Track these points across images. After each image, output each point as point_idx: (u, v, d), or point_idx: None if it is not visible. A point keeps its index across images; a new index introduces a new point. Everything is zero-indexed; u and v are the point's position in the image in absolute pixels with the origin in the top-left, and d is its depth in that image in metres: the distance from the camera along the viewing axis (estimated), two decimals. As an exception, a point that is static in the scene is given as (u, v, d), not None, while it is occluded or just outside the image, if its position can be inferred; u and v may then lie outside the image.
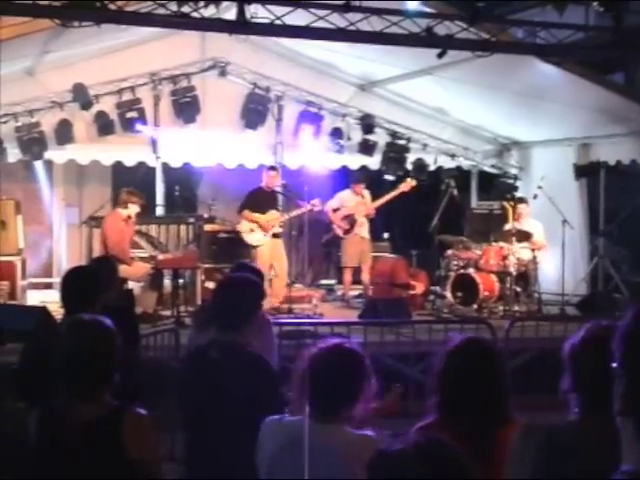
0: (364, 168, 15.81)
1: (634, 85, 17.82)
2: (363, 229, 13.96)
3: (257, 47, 14.36)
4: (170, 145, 14.51)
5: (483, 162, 16.78)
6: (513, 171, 16.48)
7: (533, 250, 13.37)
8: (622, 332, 2.36)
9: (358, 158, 15.78)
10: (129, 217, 12.29)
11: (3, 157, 13.46)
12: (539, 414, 3.68)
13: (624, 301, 13.31)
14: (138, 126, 14.04)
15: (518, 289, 13.31)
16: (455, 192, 14.13)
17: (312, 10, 9.52)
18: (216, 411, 4.37)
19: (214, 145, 14.72)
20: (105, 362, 3.81)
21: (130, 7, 9.26)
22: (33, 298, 13.24)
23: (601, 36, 11.36)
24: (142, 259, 12.69)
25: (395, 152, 15.73)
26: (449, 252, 13.80)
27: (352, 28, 9.62)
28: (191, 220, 14.03)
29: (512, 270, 13.08)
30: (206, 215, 14.23)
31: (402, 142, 15.79)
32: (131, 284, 12.08)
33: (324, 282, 16.15)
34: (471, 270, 13.21)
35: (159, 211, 14.84)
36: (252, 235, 13.12)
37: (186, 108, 14.43)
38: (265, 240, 13.09)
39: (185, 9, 9.17)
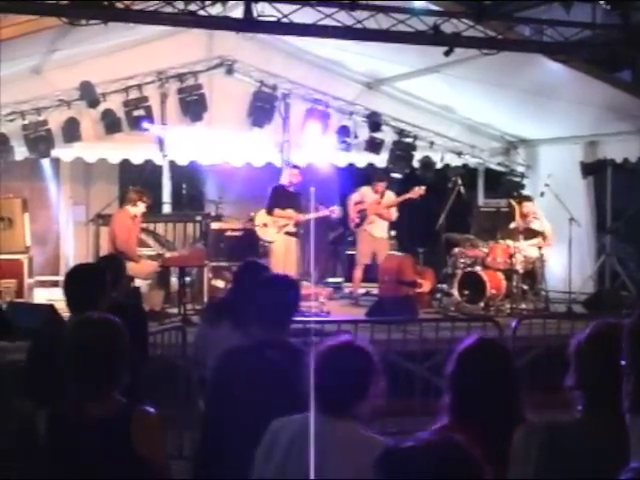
0: (371, 166, 15.81)
1: (641, 83, 17.79)
2: (374, 227, 13.96)
3: (264, 45, 14.38)
4: (177, 143, 14.52)
5: (490, 160, 16.76)
6: (520, 169, 16.45)
7: (540, 248, 13.36)
8: (630, 330, 2.36)
9: (365, 156, 15.78)
10: (136, 216, 12.33)
11: (10, 155, 13.49)
12: (546, 412, 3.68)
13: (631, 299, 13.29)
14: (145, 124, 14.05)
15: (525, 287, 13.31)
16: (462, 190, 14.12)
17: (319, 8, 9.51)
18: (262, 410, 4.32)
19: (221, 143, 14.72)
20: (114, 361, 3.82)
21: (137, 5, 9.26)
22: (40, 296, 13.27)
23: (608, 34, 11.34)
24: (149, 257, 12.70)
25: (402, 150, 15.72)
26: (456, 250, 13.80)
27: (359, 26, 9.62)
28: (198, 218, 14.06)
29: (519, 268, 13.08)
30: (213, 213, 14.24)
31: (409, 140, 15.78)
32: (138, 282, 12.10)
33: (331, 280, 16.15)
34: (478, 268, 13.21)
35: (166, 209, 14.85)
36: (265, 230, 13.16)
37: (193, 106, 14.44)
38: (278, 237, 13.13)
39: (192, 7, 9.17)
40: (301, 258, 14.41)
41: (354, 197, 14.11)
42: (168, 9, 9.19)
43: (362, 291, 14.34)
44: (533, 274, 13.38)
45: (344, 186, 14.64)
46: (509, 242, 13.31)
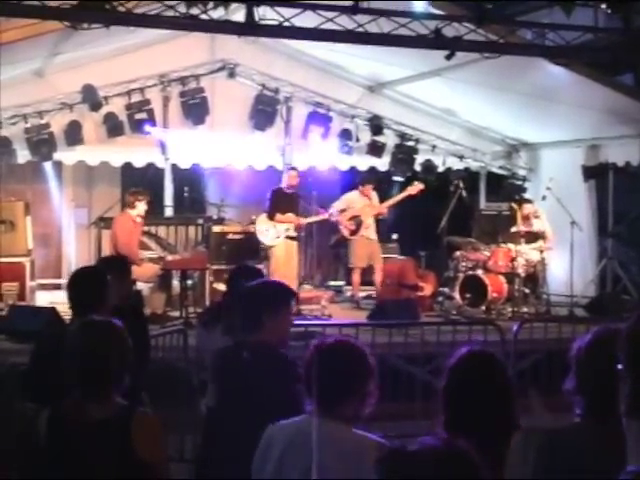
0: (373, 169, 15.81)
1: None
2: (370, 231, 13.92)
3: (266, 49, 14.40)
4: (179, 146, 14.53)
5: (492, 163, 16.78)
6: (522, 172, 16.47)
7: (542, 251, 13.37)
8: (626, 334, 2.37)
9: (367, 159, 15.79)
10: (139, 216, 12.37)
11: (12, 158, 13.51)
12: (547, 416, 3.68)
13: (633, 302, 13.29)
14: (147, 127, 14.07)
15: (527, 290, 13.32)
16: (464, 193, 14.12)
17: (320, 12, 9.52)
18: (243, 411, 4.36)
19: (223, 146, 14.73)
20: (115, 363, 3.83)
21: (139, 9, 9.27)
22: (42, 299, 13.27)
23: (610, 37, 11.35)
24: (151, 260, 12.71)
25: (404, 153, 15.73)
26: (457, 253, 13.80)
27: (360, 30, 9.62)
28: (200, 221, 14.08)
29: (521, 271, 13.09)
30: (215, 216, 14.25)
31: (411, 143, 15.79)
32: (140, 285, 12.11)
33: (332, 283, 16.15)
34: (480, 271, 13.21)
35: (168, 212, 14.86)
36: (267, 235, 13.17)
37: (195, 109, 14.45)
38: (278, 241, 13.13)
39: (194, 11, 9.18)
40: (302, 262, 14.42)
41: (338, 206, 13.90)
42: (170, 13, 9.19)
43: (363, 294, 14.32)
44: (535, 277, 13.39)
45: (346, 189, 14.62)
46: (510, 245, 13.32)
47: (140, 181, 14.29)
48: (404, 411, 8.78)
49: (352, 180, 15.09)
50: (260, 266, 12.13)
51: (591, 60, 12.31)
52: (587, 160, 14.88)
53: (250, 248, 13.31)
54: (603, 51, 11.47)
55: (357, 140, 15.50)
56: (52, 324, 6.07)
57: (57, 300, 12.11)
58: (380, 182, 14.42)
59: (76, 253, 15.10)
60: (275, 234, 13.16)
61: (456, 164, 16.24)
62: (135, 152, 14.62)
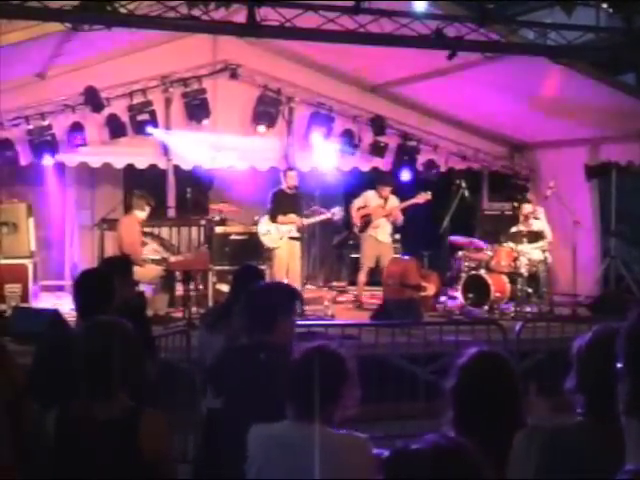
0: (375, 170, 15.81)
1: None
2: (380, 232, 13.92)
3: (267, 49, 14.41)
4: (181, 147, 14.54)
5: (494, 163, 16.77)
6: (524, 172, 16.46)
7: (544, 251, 13.36)
8: (626, 332, 2.37)
9: (369, 160, 15.79)
10: (143, 220, 12.46)
11: (15, 160, 13.51)
12: (550, 415, 3.68)
13: (636, 301, 13.28)
14: (149, 129, 14.08)
15: (529, 290, 13.31)
16: (466, 193, 14.11)
17: (322, 12, 9.52)
18: (259, 411, 4.35)
19: (225, 147, 14.73)
20: (123, 363, 3.85)
21: (140, 10, 9.28)
22: (45, 301, 13.28)
23: (611, 37, 11.34)
24: (153, 261, 12.72)
25: (406, 154, 15.73)
26: (460, 253, 13.81)
27: (362, 30, 9.63)
28: (202, 222, 14.08)
29: (523, 271, 13.09)
30: (217, 217, 14.26)
31: (413, 143, 15.79)
32: (142, 286, 12.12)
33: (336, 283, 16.15)
34: (482, 271, 13.22)
35: (170, 213, 14.86)
36: (268, 237, 13.17)
37: (197, 110, 14.45)
38: (281, 243, 13.13)
39: (195, 12, 9.19)
40: (305, 262, 14.43)
41: (357, 202, 14.08)
42: (171, 14, 9.20)
43: (367, 294, 14.33)
44: (537, 277, 13.38)
45: (348, 190, 14.62)
46: (513, 245, 13.32)
47: (142, 182, 14.30)
48: (407, 411, 8.80)
49: (354, 180, 15.11)
50: (263, 267, 12.17)
51: (593, 60, 12.30)
52: (590, 159, 14.88)
53: (253, 249, 13.32)
54: (605, 50, 11.47)
55: (359, 140, 15.50)
56: (55, 326, 6.07)
57: (60, 302, 12.14)
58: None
59: (79, 255, 15.12)
60: (278, 235, 13.17)
61: (458, 164, 16.24)
62: (137, 154, 14.60)
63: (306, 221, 13.34)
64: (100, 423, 3.77)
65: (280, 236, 13.15)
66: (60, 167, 14.74)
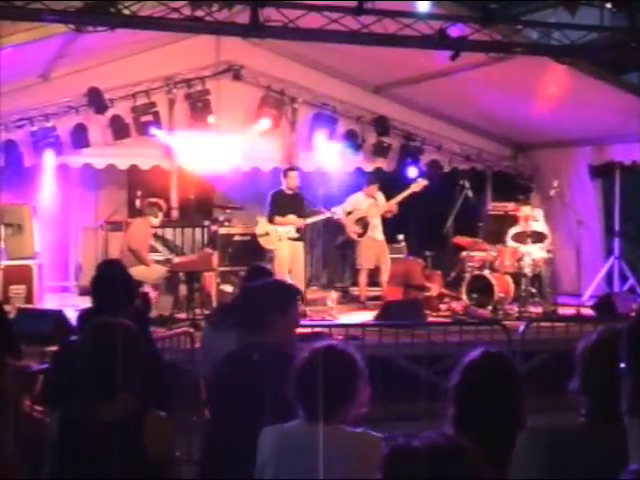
0: (379, 170, 15.80)
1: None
2: (377, 231, 13.88)
3: (271, 50, 14.41)
4: (185, 148, 14.54)
5: (498, 163, 16.76)
6: (528, 172, 16.45)
7: (548, 251, 13.35)
8: (628, 332, 2.37)
9: (372, 160, 15.79)
10: (155, 226, 12.56)
11: (19, 161, 13.53)
12: (554, 416, 3.68)
13: (640, 302, 13.27)
14: (153, 130, 14.09)
15: (533, 290, 13.29)
16: (470, 194, 14.10)
17: (325, 13, 9.53)
18: (253, 413, 4.35)
19: (229, 148, 14.73)
20: (128, 364, 3.85)
21: (144, 12, 9.28)
22: (49, 302, 13.29)
23: (615, 36, 11.33)
24: (158, 262, 12.72)
25: (409, 154, 15.73)
26: (464, 253, 13.79)
27: (365, 31, 9.63)
28: (206, 223, 14.08)
29: (527, 271, 13.07)
30: (221, 218, 14.25)
31: (416, 144, 15.79)
32: (147, 287, 12.13)
33: (339, 284, 16.14)
34: (486, 271, 13.20)
35: (174, 214, 14.87)
36: (266, 238, 13.15)
37: (201, 111, 14.46)
38: (280, 244, 13.10)
39: (198, 13, 9.19)
40: (308, 263, 14.41)
41: (345, 207, 13.89)
42: (175, 15, 9.20)
43: (369, 295, 14.31)
44: (541, 277, 13.36)
45: (352, 190, 14.60)
46: (517, 245, 13.30)
47: (146, 184, 14.31)
48: (410, 412, 8.79)
49: (358, 181, 15.10)
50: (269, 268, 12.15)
51: (596, 59, 12.30)
52: (594, 159, 14.87)
53: (256, 250, 13.30)
54: (608, 50, 11.47)
55: (363, 141, 15.50)
56: (59, 327, 6.08)
57: (64, 303, 12.15)
58: (386, 182, 14.35)
59: (83, 256, 15.13)
60: (276, 237, 13.11)
61: (462, 164, 16.24)
62: (141, 155, 14.63)
63: (305, 221, 13.29)
64: (104, 424, 3.78)
65: (278, 237, 13.11)
66: (64, 168, 14.74)
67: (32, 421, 4.36)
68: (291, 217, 13.16)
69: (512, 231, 13.68)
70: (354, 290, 15.15)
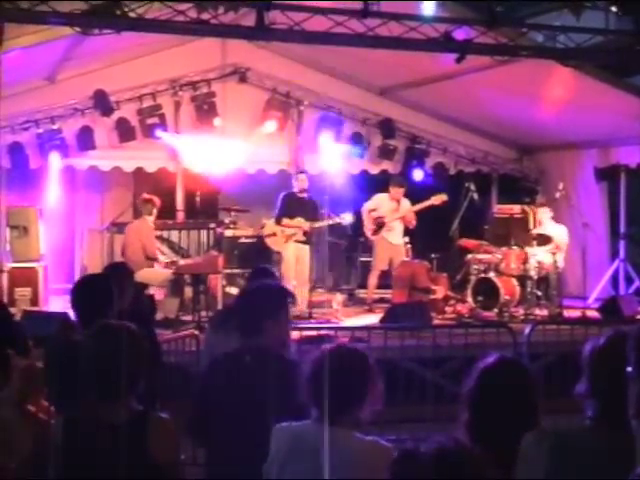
0: (384, 173, 15.80)
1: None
2: (393, 235, 13.82)
3: (276, 53, 14.43)
4: (191, 151, 14.56)
5: (503, 166, 16.76)
6: (533, 175, 16.44)
7: (554, 254, 13.32)
8: (635, 336, 2.37)
9: (378, 163, 15.79)
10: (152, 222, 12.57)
11: (25, 164, 13.55)
12: (560, 418, 3.68)
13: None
14: (159, 132, 14.11)
15: (539, 293, 13.28)
16: (475, 196, 14.09)
17: (330, 16, 9.54)
18: (246, 414, 4.35)
19: (234, 150, 14.74)
20: (131, 367, 3.85)
21: (150, 14, 9.30)
22: (55, 304, 13.30)
23: (620, 39, 11.33)
24: (163, 265, 12.73)
25: (415, 157, 15.73)
26: (469, 256, 13.78)
27: (370, 33, 9.64)
28: (212, 225, 14.09)
29: (533, 274, 13.05)
30: (227, 220, 14.26)
31: (422, 146, 15.79)
32: (152, 290, 12.14)
33: (345, 287, 16.13)
34: (492, 274, 13.18)
35: (180, 217, 14.89)
36: (273, 239, 13.17)
37: (206, 114, 14.48)
38: (286, 246, 13.11)
39: (204, 16, 9.20)
40: (314, 265, 14.41)
41: (369, 205, 13.94)
42: (180, 18, 9.22)
43: (376, 297, 14.30)
44: (547, 280, 13.34)
45: (357, 193, 14.61)
46: (522, 248, 13.28)
47: (152, 186, 14.32)
48: (416, 414, 8.78)
49: (363, 183, 15.12)
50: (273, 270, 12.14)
51: (602, 62, 12.29)
52: (599, 162, 14.86)
53: (262, 252, 13.31)
54: (614, 53, 11.46)
55: (368, 143, 15.51)
56: (63, 329, 6.08)
57: (70, 305, 12.13)
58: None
59: (89, 258, 15.14)
60: (283, 239, 13.14)
61: (468, 167, 16.24)
62: (147, 157, 14.65)
63: (312, 225, 13.29)
64: (109, 426, 3.79)
65: (285, 239, 13.12)
66: (70, 171, 14.77)
67: (37, 422, 4.35)
68: (299, 220, 13.17)
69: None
70: (360, 293, 15.15)
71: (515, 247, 13.37)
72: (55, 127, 13.61)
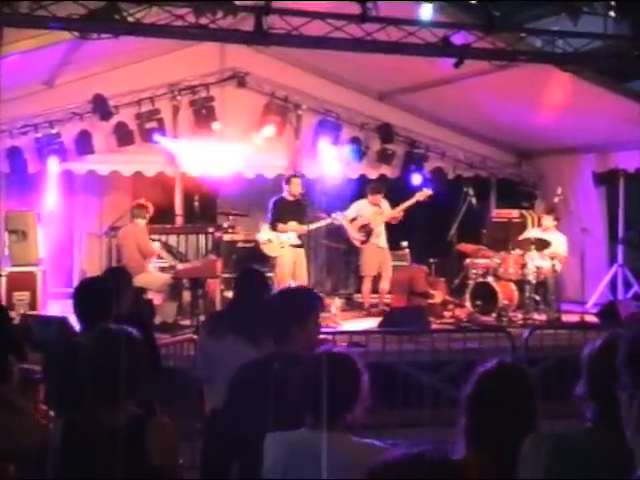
0: (382, 177, 15.80)
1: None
2: (380, 239, 13.85)
3: (275, 57, 14.45)
4: (189, 155, 14.57)
5: (502, 171, 16.76)
6: (532, 179, 16.45)
7: (552, 258, 13.33)
8: (627, 342, 2.38)
9: (376, 167, 15.80)
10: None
11: (24, 168, 13.55)
12: (558, 422, 3.68)
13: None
14: (157, 137, 14.12)
15: (537, 297, 13.29)
16: (474, 201, 14.09)
17: (329, 20, 9.54)
18: (270, 420, 4.32)
19: (233, 155, 14.75)
20: (130, 371, 3.86)
21: (148, 19, 9.30)
22: (54, 308, 13.30)
23: (619, 44, 11.34)
24: (162, 269, 12.74)
25: (413, 161, 15.74)
26: (468, 261, 13.78)
27: (369, 38, 9.64)
28: (210, 230, 14.09)
29: (531, 278, 13.06)
30: (225, 225, 14.26)
31: (420, 151, 15.80)
32: (151, 294, 12.14)
33: (343, 291, 16.13)
34: (490, 278, 13.19)
35: (178, 221, 14.89)
36: (269, 246, 13.16)
37: (205, 118, 14.49)
38: (282, 251, 13.10)
39: (203, 20, 9.21)
40: (312, 269, 14.40)
41: (349, 214, 13.84)
42: (179, 22, 9.22)
43: (374, 302, 14.29)
44: (545, 284, 13.34)
45: (356, 197, 14.60)
46: (520, 252, 13.29)
47: (150, 190, 14.32)
48: (414, 418, 8.79)
49: (362, 188, 15.11)
50: (270, 274, 12.14)
51: (600, 67, 12.30)
52: (598, 166, 14.87)
53: (259, 257, 13.30)
54: (612, 58, 11.47)
55: (367, 148, 15.51)
56: (62, 333, 6.09)
57: (69, 309, 12.13)
58: (390, 189, 14.34)
59: (87, 262, 15.14)
60: (278, 244, 13.13)
61: (466, 172, 16.25)
62: (145, 161, 14.66)
63: (306, 228, 13.27)
64: (108, 430, 3.79)
65: (281, 244, 13.12)
66: (68, 175, 14.77)
67: (36, 425, 4.36)
68: (293, 224, 13.16)
69: (521, 236, 13.68)
70: (358, 297, 15.14)
71: (513, 251, 13.37)
72: (54, 131, 13.62)
